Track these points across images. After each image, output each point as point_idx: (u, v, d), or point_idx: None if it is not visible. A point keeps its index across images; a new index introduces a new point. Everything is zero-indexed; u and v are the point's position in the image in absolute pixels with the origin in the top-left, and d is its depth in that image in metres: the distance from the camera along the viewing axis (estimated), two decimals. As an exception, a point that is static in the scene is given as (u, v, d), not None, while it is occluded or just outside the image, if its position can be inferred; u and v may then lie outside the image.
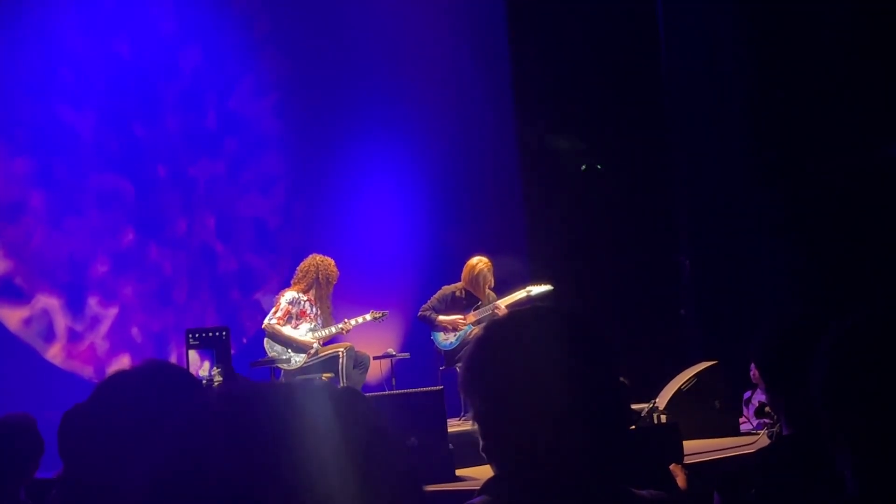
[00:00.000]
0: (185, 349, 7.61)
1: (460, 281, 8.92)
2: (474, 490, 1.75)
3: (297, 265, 8.94)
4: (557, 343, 1.67)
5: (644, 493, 1.80)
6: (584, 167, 10.41)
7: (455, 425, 7.59)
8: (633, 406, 7.28)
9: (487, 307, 8.70)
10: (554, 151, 10.53)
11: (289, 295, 8.67)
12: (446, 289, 8.92)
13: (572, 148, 10.41)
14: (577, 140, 10.37)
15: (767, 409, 6.69)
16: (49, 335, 9.57)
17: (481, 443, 1.72)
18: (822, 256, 9.03)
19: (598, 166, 10.34)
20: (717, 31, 10.11)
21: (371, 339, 9.51)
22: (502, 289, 8.98)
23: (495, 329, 1.76)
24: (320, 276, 8.67)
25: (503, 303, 8.68)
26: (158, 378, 1.83)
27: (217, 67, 10.82)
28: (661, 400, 7.77)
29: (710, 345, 9.49)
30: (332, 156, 11.10)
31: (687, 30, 10.40)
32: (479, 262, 8.84)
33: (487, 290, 8.85)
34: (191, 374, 1.88)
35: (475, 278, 8.80)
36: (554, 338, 1.68)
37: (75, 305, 9.72)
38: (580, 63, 10.53)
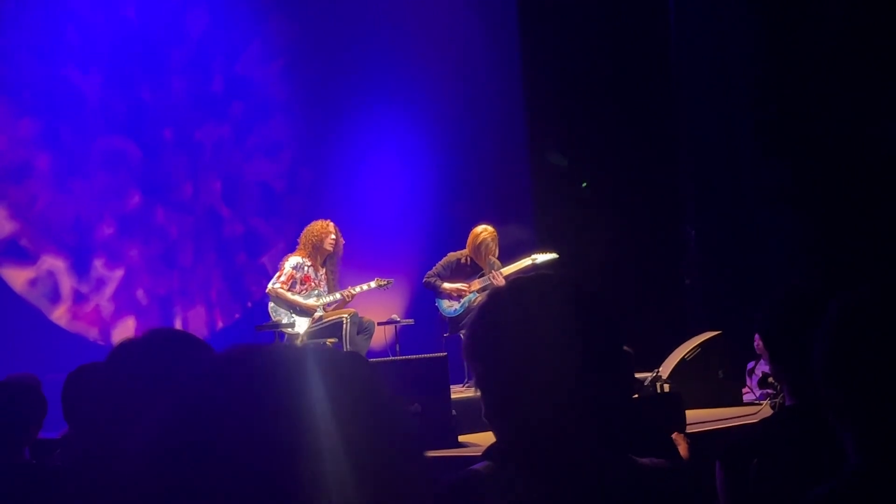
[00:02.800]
0: (188, 315, 7.62)
1: (466, 248, 8.91)
2: (476, 456, 1.76)
3: (303, 230, 8.92)
4: (560, 310, 1.67)
5: (646, 461, 1.80)
6: (584, 184, 10.49)
7: (458, 392, 7.61)
8: (637, 375, 7.28)
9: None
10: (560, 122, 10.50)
11: (293, 260, 8.65)
12: (451, 255, 8.91)
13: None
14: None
15: (771, 379, 6.68)
16: (54, 296, 9.59)
17: (483, 409, 1.72)
18: (827, 229, 9.00)
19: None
20: (727, 2, 10.04)
21: (376, 305, 9.52)
22: (508, 257, 8.97)
23: (499, 296, 1.76)
24: (314, 241, 8.62)
25: (507, 271, 8.67)
26: (167, 343, 1.83)
27: (224, 31, 10.77)
28: (665, 369, 7.78)
29: (715, 315, 9.49)
30: (338, 121, 11.07)
31: (696, 2, 10.33)
32: (483, 231, 8.81)
33: (492, 259, 8.83)
34: (199, 339, 1.88)
35: (478, 247, 8.77)
36: (557, 305, 1.68)
37: (81, 267, 9.74)
38: (588, 33, 10.48)
